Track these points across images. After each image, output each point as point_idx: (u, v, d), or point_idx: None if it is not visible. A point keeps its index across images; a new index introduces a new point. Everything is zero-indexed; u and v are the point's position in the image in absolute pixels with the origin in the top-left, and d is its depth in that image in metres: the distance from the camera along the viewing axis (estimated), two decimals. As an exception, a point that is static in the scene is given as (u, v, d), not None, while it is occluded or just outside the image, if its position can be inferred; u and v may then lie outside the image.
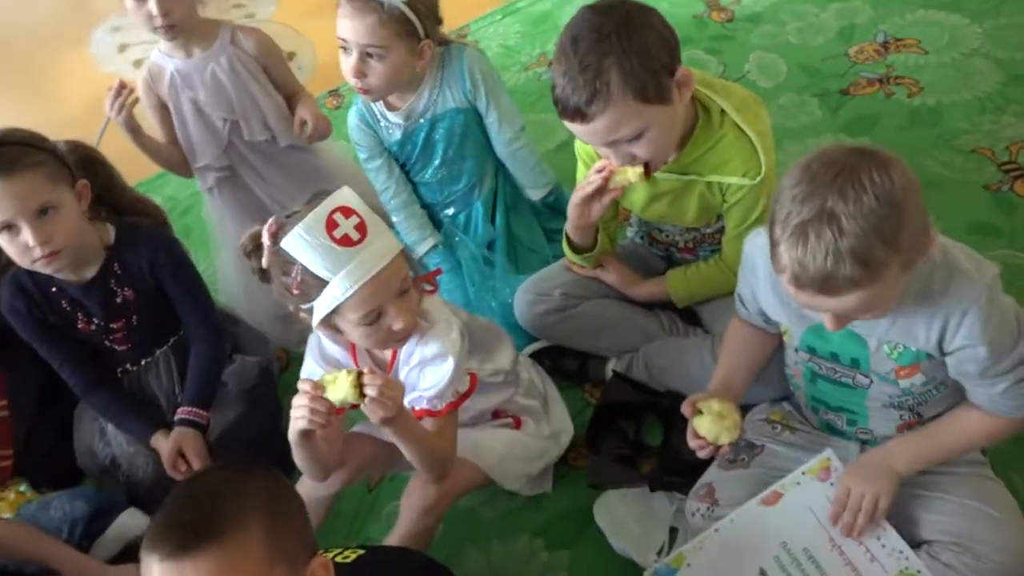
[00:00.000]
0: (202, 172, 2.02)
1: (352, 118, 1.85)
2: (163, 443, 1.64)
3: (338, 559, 1.13)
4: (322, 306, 1.20)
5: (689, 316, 1.73)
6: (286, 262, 1.20)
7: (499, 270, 1.86)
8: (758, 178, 1.43)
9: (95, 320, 1.65)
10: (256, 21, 3.21)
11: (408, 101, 1.79)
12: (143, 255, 1.64)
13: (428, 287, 1.31)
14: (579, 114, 1.29)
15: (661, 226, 1.70)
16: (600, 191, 1.48)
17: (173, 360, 1.75)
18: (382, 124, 1.83)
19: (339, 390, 1.15)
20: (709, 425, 1.31)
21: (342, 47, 1.68)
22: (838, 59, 2.44)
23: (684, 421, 1.38)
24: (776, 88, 2.43)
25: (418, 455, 1.29)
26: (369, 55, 1.65)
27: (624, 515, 1.50)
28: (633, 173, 1.42)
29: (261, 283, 1.29)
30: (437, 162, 1.86)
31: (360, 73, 1.66)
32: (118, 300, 1.64)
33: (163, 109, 1.98)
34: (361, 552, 1.17)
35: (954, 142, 2.10)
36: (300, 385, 1.20)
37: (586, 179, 1.50)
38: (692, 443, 1.34)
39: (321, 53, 2.99)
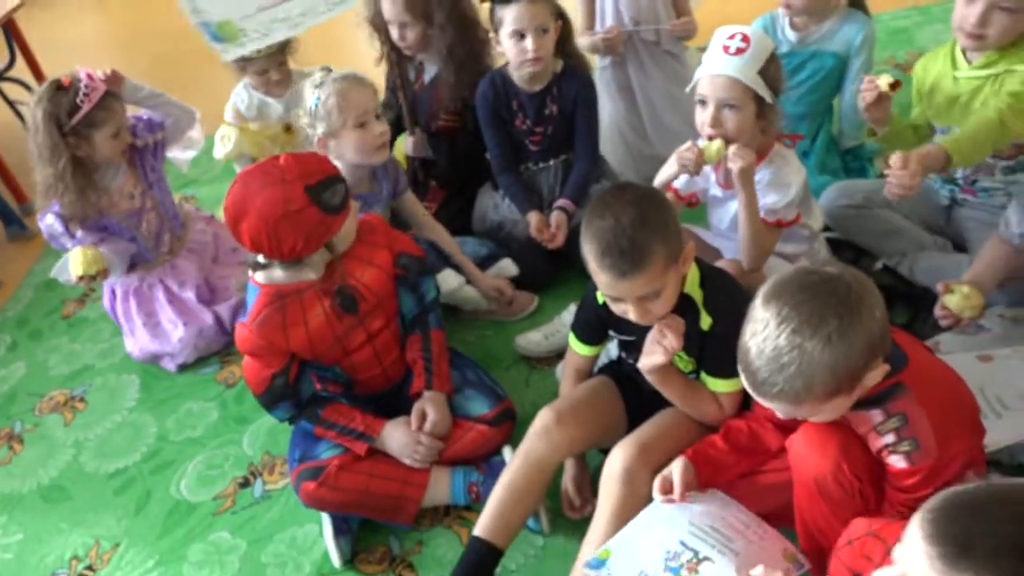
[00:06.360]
0: (603, 55, 2.69)
1: (758, 20, 2.41)
2: (535, 217, 2.35)
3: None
4: None
5: (956, 246, 2.13)
6: None
7: (810, 170, 2.33)
8: None
9: (528, 121, 2.37)
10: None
11: (810, 28, 2.33)
12: (575, 86, 2.33)
13: (790, 142, 1.89)
14: None
15: None
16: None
17: (561, 172, 2.46)
18: (778, 36, 2.37)
19: (713, 147, 1.78)
20: (957, 301, 1.74)
21: None
22: None
23: (930, 311, 1.84)
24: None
25: (751, 230, 1.81)
26: None
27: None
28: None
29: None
30: (793, 84, 2.38)
31: None
32: (546, 112, 2.36)
33: (591, 3, 2.68)
34: None
35: None
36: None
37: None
38: (939, 313, 1.77)
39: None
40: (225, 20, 1.94)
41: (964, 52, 1.94)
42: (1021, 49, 1.84)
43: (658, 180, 1.95)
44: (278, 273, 1.74)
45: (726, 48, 1.77)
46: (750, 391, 1.27)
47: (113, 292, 2.48)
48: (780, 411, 1.28)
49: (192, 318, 2.41)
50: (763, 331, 1.20)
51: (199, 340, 2.40)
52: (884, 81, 1.85)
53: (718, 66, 1.79)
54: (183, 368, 2.43)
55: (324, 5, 2.00)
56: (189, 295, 2.44)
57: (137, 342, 2.45)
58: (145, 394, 2.40)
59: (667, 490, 1.46)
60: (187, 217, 2.59)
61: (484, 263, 2.34)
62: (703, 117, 1.85)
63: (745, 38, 1.76)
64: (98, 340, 2.64)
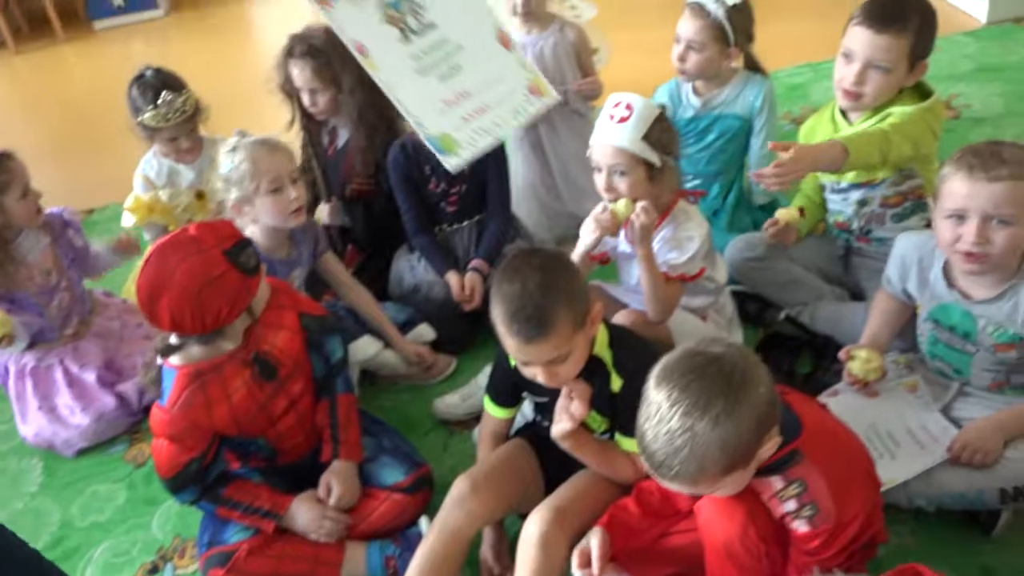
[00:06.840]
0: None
1: (663, 88, 2.51)
2: (454, 278, 2.35)
3: None
4: None
5: (852, 295, 2.23)
6: None
7: (719, 228, 2.46)
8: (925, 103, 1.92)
9: (441, 184, 2.38)
10: (580, 19, 3.88)
11: (711, 92, 2.43)
12: (484, 146, 2.36)
13: (693, 199, 1.94)
14: None
15: (838, 196, 2.13)
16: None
17: (475, 232, 2.47)
18: (683, 102, 2.48)
19: (621, 206, 1.82)
20: (859, 367, 1.82)
21: (676, 40, 2.35)
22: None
23: (833, 359, 1.90)
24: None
25: (652, 285, 1.85)
26: (691, 47, 2.32)
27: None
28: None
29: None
30: (703, 145, 2.48)
31: (682, 58, 2.34)
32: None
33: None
34: None
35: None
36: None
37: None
38: (847, 379, 1.84)
39: (615, 53, 3.65)
40: (443, 133, 2.15)
41: (844, 113, 2.05)
42: (894, 104, 1.97)
43: (579, 250, 1.93)
44: (195, 350, 1.69)
45: (611, 116, 1.84)
46: (651, 474, 1.28)
47: (6, 369, 2.37)
48: (682, 490, 1.30)
49: (91, 402, 2.32)
50: (656, 414, 1.22)
51: (99, 425, 2.31)
52: (785, 215, 1.90)
53: (604, 135, 1.86)
54: (87, 450, 2.33)
55: (512, 116, 2.26)
56: (90, 377, 2.35)
57: (30, 426, 2.34)
58: (48, 478, 2.29)
59: (585, 564, 1.46)
60: (96, 304, 2.53)
61: (402, 328, 2.33)
62: (598, 182, 1.91)
63: (628, 106, 1.82)
64: (-3, 422, 2.52)
